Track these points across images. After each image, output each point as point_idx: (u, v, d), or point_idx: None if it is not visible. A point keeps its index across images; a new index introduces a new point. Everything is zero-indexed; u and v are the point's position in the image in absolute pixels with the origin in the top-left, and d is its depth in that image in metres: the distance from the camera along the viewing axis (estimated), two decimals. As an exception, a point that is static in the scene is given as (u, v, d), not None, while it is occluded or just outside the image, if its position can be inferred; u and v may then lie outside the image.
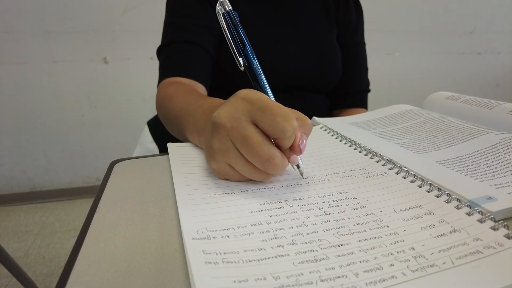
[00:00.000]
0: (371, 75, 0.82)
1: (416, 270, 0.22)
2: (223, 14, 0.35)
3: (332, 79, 0.75)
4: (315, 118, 0.56)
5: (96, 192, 0.35)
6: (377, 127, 0.51)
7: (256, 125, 0.31)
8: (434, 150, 0.41)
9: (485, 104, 0.49)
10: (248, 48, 0.35)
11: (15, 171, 1.82)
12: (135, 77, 1.77)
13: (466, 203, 0.29)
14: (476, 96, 0.52)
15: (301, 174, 0.35)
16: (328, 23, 0.74)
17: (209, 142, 0.33)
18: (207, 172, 0.36)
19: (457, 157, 0.38)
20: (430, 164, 0.37)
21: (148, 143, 0.80)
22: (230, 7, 0.35)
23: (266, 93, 0.35)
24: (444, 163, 0.37)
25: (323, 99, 0.77)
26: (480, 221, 0.26)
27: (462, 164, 0.36)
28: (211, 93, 0.70)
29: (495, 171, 0.34)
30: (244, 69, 0.36)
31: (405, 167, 0.36)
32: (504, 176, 0.33)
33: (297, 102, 0.71)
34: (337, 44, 0.75)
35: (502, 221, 0.25)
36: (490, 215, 0.27)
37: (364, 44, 0.81)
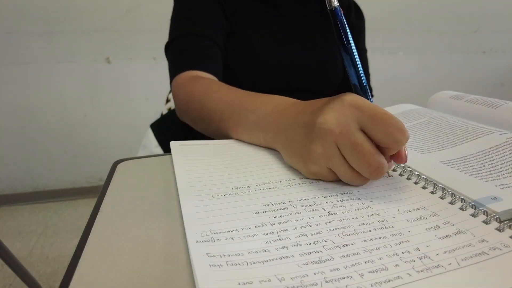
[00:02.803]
0: (375, 75, 0.82)
1: (421, 271, 0.21)
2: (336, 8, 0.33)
3: (332, 82, 0.75)
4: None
5: (99, 192, 0.35)
6: (380, 126, 0.51)
7: (364, 132, 0.30)
8: (438, 150, 0.40)
9: (490, 104, 0.49)
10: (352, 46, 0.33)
11: (19, 171, 1.83)
12: (138, 77, 1.77)
13: (470, 203, 0.28)
14: (481, 95, 0.52)
15: (389, 174, 0.36)
16: (329, 28, 0.75)
17: (310, 146, 0.32)
18: (211, 172, 0.36)
19: (461, 157, 0.38)
20: (434, 164, 0.37)
21: (153, 148, 0.80)
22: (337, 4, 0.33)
23: (368, 98, 0.34)
24: (449, 163, 0.37)
25: None
26: (485, 222, 0.26)
27: (466, 164, 0.36)
28: None
29: (500, 171, 0.34)
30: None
31: (409, 167, 0.36)
32: (509, 176, 0.33)
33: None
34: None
35: (507, 221, 0.25)
36: (495, 215, 0.26)
37: (366, 51, 0.81)
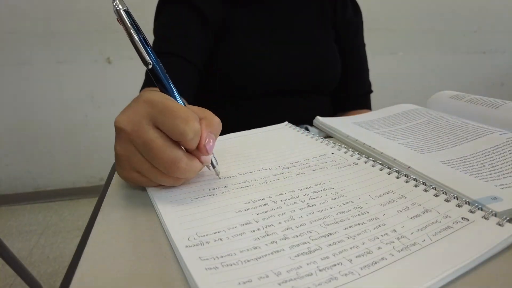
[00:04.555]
0: (375, 75, 0.82)
1: (401, 250, 0.23)
2: (124, 11, 0.31)
3: (331, 81, 0.75)
4: (318, 117, 0.56)
5: (99, 192, 0.35)
6: (381, 126, 0.51)
7: (159, 129, 0.29)
8: (438, 150, 0.40)
9: (490, 103, 0.49)
10: (149, 48, 0.32)
11: (20, 171, 1.83)
12: (139, 77, 1.76)
13: (432, 185, 0.30)
14: (481, 95, 0.52)
15: (217, 174, 0.35)
16: (324, 26, 0.75)
17: (115, 149, 0.31)
18: None
19: (461, 157, 0.38)
20: (434, 164, 0.37)
21: None
22: (126, 7, 0.31)
23: (171, 95, 0.33)
24: (448, 163, 0.37)
25: (326, 101, 0.77)
26: (447, 200, 0.29)
27: (466, 164, 0.36)
28: (208, 97, 0.70)
29: (500, 171, 0.34)
30: (148, 69, 0.33)
31: (408, 167, 0.36)
32: (509, 176, 0.33)
33: (299, 105, 0.71)
34: (336, 46, 0.76)
35: (464, 198, 0.29)
36: (454, 194, 0.29)
37: (364, 46, 0.81)
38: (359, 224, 0.27)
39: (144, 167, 0.30)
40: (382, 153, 0.40)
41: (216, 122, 0.32)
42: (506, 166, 0.35)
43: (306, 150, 0.42)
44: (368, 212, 0.28)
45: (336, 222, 0.27)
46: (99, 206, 0.32)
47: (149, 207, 0.31)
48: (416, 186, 0.32)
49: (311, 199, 0.31)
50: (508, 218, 0.26)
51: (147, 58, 0.32)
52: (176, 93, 0.33)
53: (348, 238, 0.25)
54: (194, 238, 0.25)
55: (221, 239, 0.25)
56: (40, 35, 1.65)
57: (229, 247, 0.24)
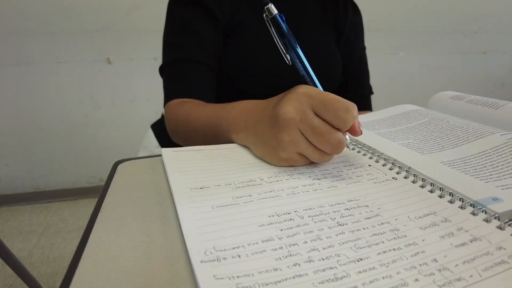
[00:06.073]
0: (375, 75, 0.82)
1: (443, 285, 0.20)
2: (274, 17, 0.40)
3: (332, 82, 0.76)
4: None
5: (99, 193, 0.35)
6: (381, 127, 0.51)
7: (318, 116, 0.35)
8: (439, 151, 0.40)
9: (491, 104, 0.49)
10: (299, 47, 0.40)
11: (20, 171, 1.83)
12: (139, 77, 1.77)
13: (481, 209, 0.28)
14: (482, 96, 0.52)
15: (348, 146, 0.39)
16: (326, 29, 0.75)
17: (278, 135, 0.36)
18: (208, 180, 0.35)
19: (462, 158, 0.38)
20: (435, 165, 0.37)
21: (154, 148, 0.80)
22: (276, 12, 0.40)
23: (317, 86, 0.39)
24: (449, 163, 0.37)
25: None
26: (500, 227, 0.25)
27: (467, 165, 0.36)
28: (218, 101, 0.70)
29: (501, 172, 0.34)
30: (292, 64, 0.41)
31: (409, 167, 0.36)
32: (510, 177, 0.33)
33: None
34: (337, 49, 0.76)
35: None
36: (509, 221, 0.26)
37: (364, 49, 0.81)
38: (394, 249, 0.24)
39: (309, 149, 0.36)
40: (382, 153, 0.40)
41: (356, 109, 0.36)
42: (506, 167, 0.35)
43: (339, 161, 0.40)
44: (405, 236, 0.25)
45: (368, 245, 0.24)
46: (99, 207, 0.32)
47: (148, 208, 0.31)
48: (462, 208, 0.28)
49: (343, 217, 0.28)
50: None
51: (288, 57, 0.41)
52: (319, 85, 0.40)
53: (381, 265, 0.22)
54: (211, 253, 0.23)
55: (239, 256, 0.23)
56: (40, 34, 1.65)
57: (247, 266, 0.22)
